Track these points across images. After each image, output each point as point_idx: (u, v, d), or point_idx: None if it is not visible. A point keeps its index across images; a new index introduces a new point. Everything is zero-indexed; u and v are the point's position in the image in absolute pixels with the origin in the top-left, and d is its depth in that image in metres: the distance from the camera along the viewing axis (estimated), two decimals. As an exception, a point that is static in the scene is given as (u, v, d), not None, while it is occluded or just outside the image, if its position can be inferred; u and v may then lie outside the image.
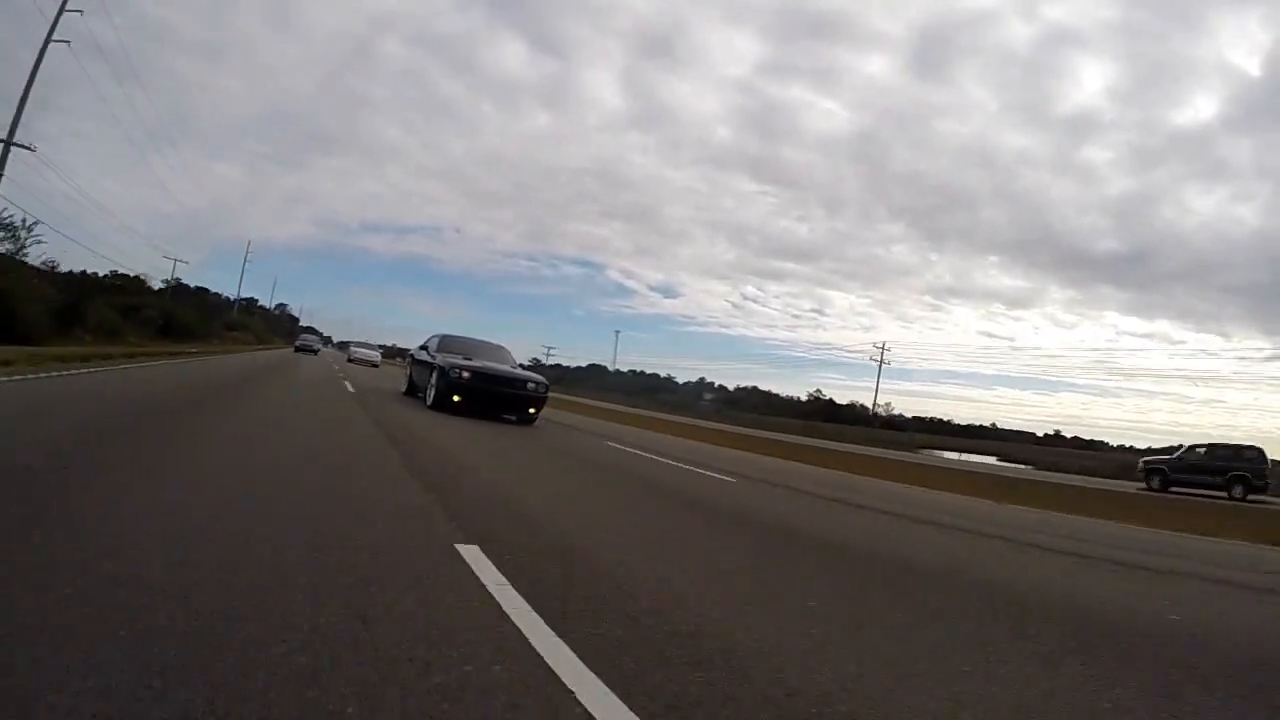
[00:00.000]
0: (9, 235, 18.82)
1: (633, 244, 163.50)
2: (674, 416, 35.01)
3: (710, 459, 10.61)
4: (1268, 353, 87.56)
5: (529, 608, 2.08)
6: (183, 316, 27.64)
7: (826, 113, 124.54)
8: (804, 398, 75.40)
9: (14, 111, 19.54)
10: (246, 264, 58.33)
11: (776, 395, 77.95)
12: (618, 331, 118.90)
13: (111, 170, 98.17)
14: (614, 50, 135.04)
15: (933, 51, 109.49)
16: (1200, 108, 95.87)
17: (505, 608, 2.06)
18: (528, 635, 1.87)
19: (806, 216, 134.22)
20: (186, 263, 31.17)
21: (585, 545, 3.21)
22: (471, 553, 2.64)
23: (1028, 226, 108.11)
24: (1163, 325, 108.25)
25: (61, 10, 19.52)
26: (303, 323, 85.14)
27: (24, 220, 19.81)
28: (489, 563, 2.53)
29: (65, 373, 8.12)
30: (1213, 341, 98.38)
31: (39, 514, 2.37)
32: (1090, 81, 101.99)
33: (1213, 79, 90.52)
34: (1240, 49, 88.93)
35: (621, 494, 5.58)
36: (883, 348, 50.54)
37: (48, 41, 19.32)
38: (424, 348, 13.38)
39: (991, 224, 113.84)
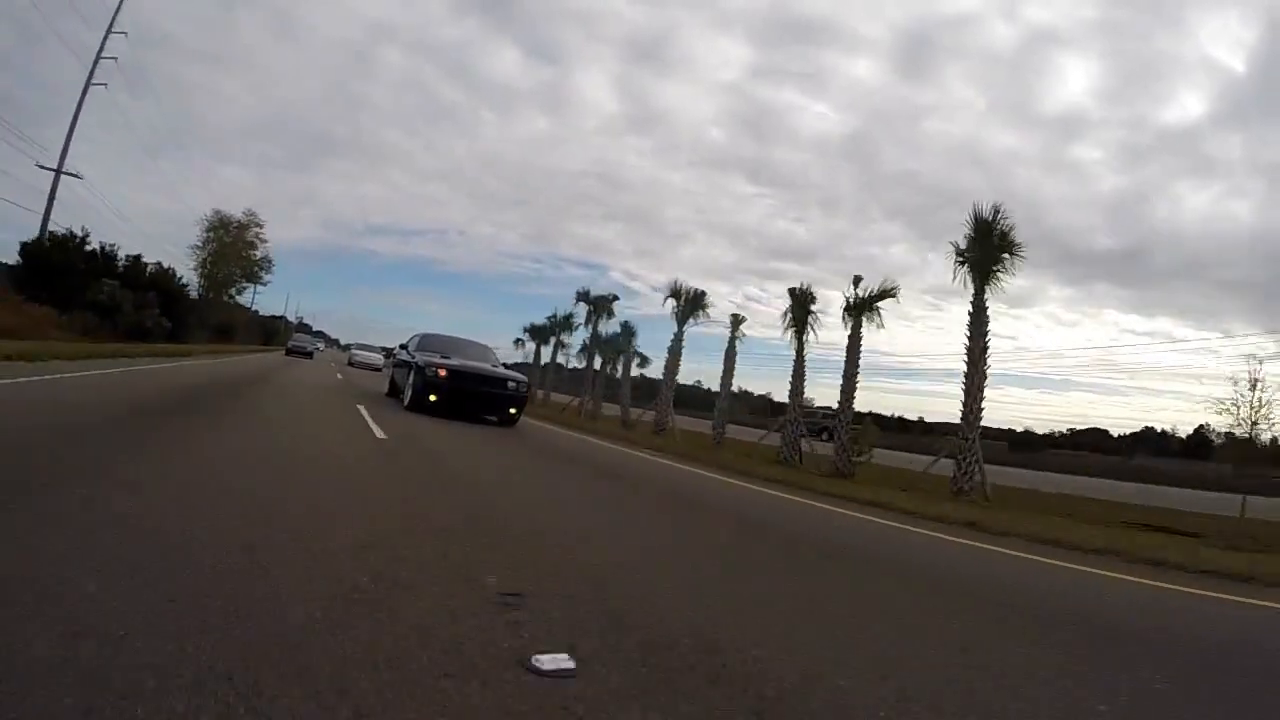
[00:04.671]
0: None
1: (634, 246, 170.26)
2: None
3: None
4: (1270, 350, 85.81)
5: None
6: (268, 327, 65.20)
7: (818, 114, 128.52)
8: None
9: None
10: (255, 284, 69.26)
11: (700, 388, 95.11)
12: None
13: (120, 175, 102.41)
14: (607, 56, 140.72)
15: (917, 53, 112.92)
16: (1188, 105, 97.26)
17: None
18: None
19: (803, 218, 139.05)
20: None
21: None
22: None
23: (1022, 225, 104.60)
24: (1163, 323, 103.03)
25: (100, 52, 23.04)
26: (314, 328, 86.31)
27: None
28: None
29: (247, 354, 20.08)
30: (1214, 339, 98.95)
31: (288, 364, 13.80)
32: (1075, 80, 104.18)
33: (1198, 76, 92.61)
34: (1223, 46, 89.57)
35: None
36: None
37: (89, 84, 22.86)
38: (404, 346, 13.30)
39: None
